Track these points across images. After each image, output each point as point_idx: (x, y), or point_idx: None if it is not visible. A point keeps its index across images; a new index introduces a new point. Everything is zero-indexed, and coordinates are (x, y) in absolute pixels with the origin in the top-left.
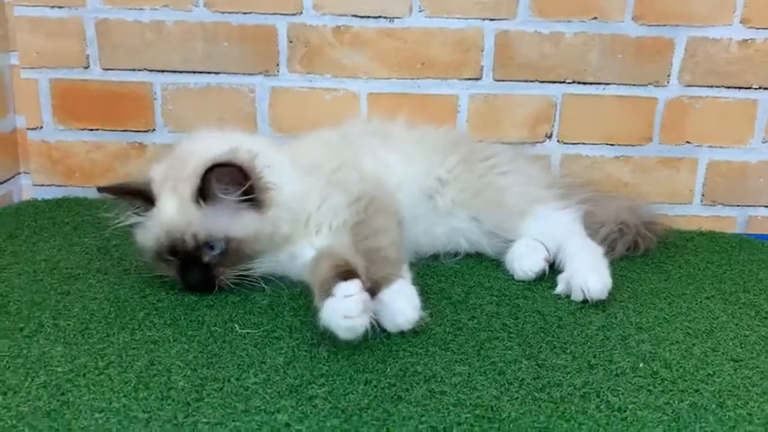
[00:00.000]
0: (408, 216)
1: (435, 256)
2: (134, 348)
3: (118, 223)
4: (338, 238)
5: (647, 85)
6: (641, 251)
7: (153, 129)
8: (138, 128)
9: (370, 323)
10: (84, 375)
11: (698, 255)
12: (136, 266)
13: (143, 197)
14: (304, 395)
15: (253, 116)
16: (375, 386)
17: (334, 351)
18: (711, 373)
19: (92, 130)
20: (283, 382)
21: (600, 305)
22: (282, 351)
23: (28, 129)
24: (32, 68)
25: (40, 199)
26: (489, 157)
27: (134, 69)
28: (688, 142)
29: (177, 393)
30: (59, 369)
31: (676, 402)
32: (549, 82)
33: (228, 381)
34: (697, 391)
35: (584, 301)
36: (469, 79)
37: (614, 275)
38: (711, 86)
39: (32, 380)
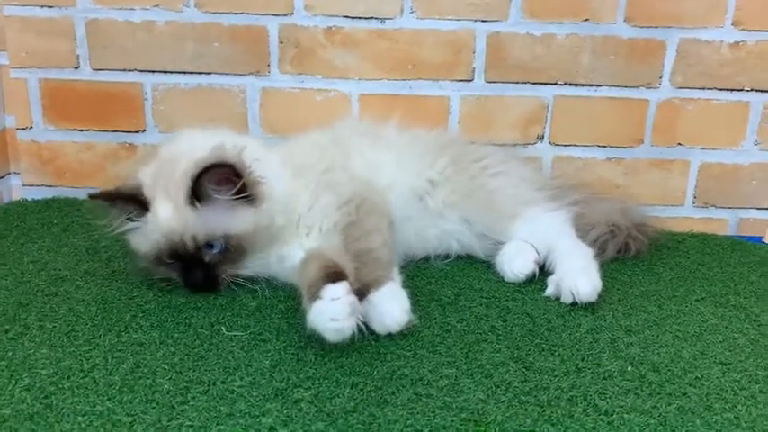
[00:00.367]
0: (399, 217)
1: (426, 258)
2: (120, 351)
3: (111, 230)
4: (328, 239)
5: (638, 87)
6: (632, 253)
7: (143, 129)
8: (128, 128)
9: (359, 325)
10: (68, 378)
11: (689, 257)
12: (125, 268)
13: (135, 202)
14: (290, 398)
15: (243, 117)
16: (361, 389)
17: (321, 354)
18: (699, 376)
19: (82, 130)
20: (269, 385)
21: (589, 307)
22: (269, 354)
23: (18, 129)
24: (22, 68)
25: (29, 199)
26: (481, 158)
27: (124, 69)
28: (680, 144)
29: (162, 396)
30: (44, 371)
31: (663, 406)
32: (541, 83)
33: (214, 384)
34: (685, 394)
35: (574, 304)
36: (461, 81)
37: (604, 278)
38: (703, 88)
39: (16, 382)
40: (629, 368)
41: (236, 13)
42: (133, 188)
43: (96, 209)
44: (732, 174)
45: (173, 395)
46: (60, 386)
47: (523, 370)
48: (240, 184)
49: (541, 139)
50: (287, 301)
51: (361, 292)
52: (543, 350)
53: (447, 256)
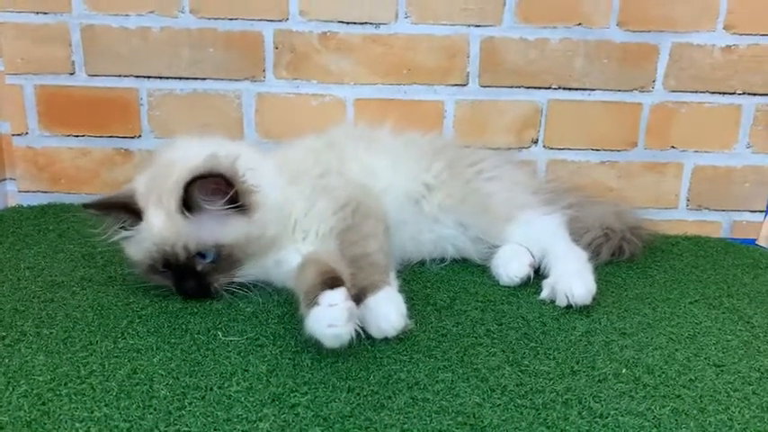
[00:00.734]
0: (395, 222)
1: (421, 262)
2: (116, 357)
3: (105, 238)
4: (324, 244)
5: (632, 91)
6: (626, 256)
7: (139, 135)
8: (124, 134)
9: (355, 330)
10: (65, 384)
11: (683, 259)
12: (121, 274)
13: (128, 211)
14: (286, 403)
15: (239, 122)
16: (358, 394)
17: (318, 359)
18: (693, 378)
19: (77, 136)
20: (266, 390)
21: (584, 310)
22: (266, 359)
23: (13, 135)
24: (18, 74)
25: (25, 205)
26: (476, 162)
27: (120, 75)
28: (673, 147)
29: (159, 402)
30: (41, 378)
31: (658, 408)
32: (535, 88)
33: (211, 389)
34: (679, 396)
35: (569, 307)
36: (456, 85)
37: (599, 280)
38: (696, 92)
39: (13, 389)
40: (623, 371)
41: (231, 19)
42: (126, 197)
43: (91, 217)
44: (725, 176)
45: (170, 401)
46: (58, 393)
47: (519, 373)
48: (232, 193)
49: (536, 142)
50: (283, 306)
51: (358, 297)
52: (538, 353)
53: (442, 260)
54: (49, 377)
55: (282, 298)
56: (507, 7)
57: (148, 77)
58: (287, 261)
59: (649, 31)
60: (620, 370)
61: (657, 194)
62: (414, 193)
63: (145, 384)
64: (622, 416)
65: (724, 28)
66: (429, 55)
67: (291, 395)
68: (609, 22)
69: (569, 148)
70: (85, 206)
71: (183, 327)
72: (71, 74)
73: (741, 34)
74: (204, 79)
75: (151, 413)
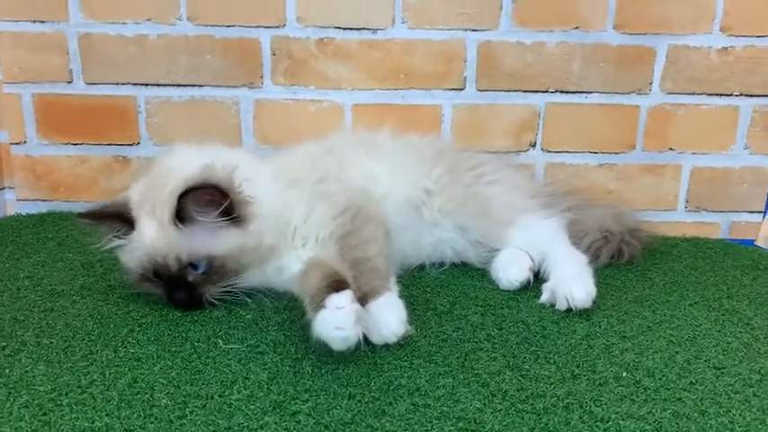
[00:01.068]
0: (395, 226)
1: (421, 267)
2: (117, 366)
3: (100, 247)
4: (324, 249)
5: (629, 93)
6: (626, 259)
7: (137, 142)
8: (122, 141)
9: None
10: (66, 394)
11: (682, 261)
12: (120, 283)
13: (122, 220)
14: (287, 411)
15: (237, 128)
16: (359, 401)
17: (318, 366)
18: (694, 381)
19: (76, 144)
20: (267, 398)
21: (584, 314)
22: (266, 367)
23: (11, 144)
24: (15, 83)
25: (24, 214)
26: (475, 166)
27: (118, 83)
28: (671, 149)
29: (160, 411)
30: (41, 388)
31: (659, 411)
32: (532, 91)
33: (212, 397)
34: (679, 399)
35: (569, 310)
36: (453, 89)
37: (598, 283)
38: (693, 94)
39: (14, 400)
40: (624, 374)
41: (228, 26)
42: (120, 206)
43: (86, 227)
44: (723, 178)
45: (171, 410)
46: (59, 403)
47: (519, 378)
48: (227, 204)
49: (534, 146)
50: (282, 313)
51: (360, 302)
52: (539, 358)
53: (441, 264)
54: (49, 387)
55: (282, 305)
56: (504, 11)
57: (146, 85)
58: (287, 267)
59: (646, 34)
60: (620, 373)
61: (656, 196)
62: (414, 199)
63: (146, 393)
64: (623, 420)
65: (720, 30)
66: (426, 60)
67: (292, 402)
68: (605, 26)
69: (567, 151)
70: (80, 216)
71: (184, 335)
72: (69, 82)
73: (737, 36)
74: (202, 86)
75: (152, 422)
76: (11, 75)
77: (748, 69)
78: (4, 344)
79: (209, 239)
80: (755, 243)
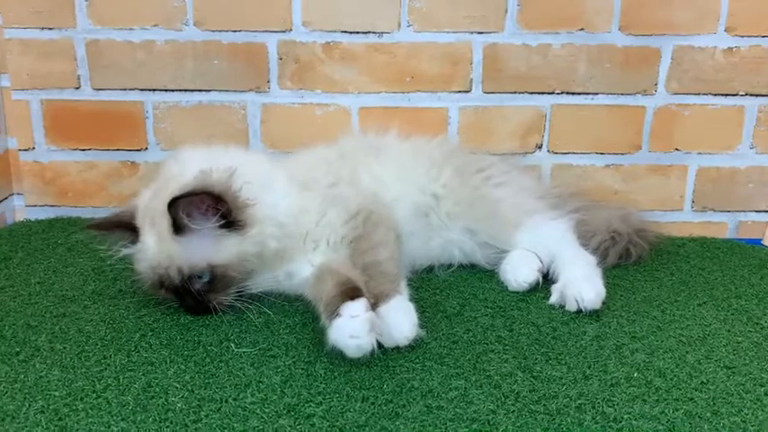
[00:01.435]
0: (404, 232)
1: (429, 269)
2: (131, 370)
3: (112, 255)
4: (336, 253)
5: (635, 94)
6: (633, 259)
7: (145, 147)
8: (130, 147)
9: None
10: (81, 399)
11: (690, 261)
12: (131, 287)
13: (129, 228)
14: (302, 414)
15: (245, 133)
16: (372, 403)
17: (331, 369)
18: (705, 380)
19: (84, 149)
20: (281, 401)
21: (594, 315)
22: (279, 370)
23: (20, 150)
24: (24, 90)
25: (33, 219)
26: (483, 168)
27: (125, 89)
28: (677, 149)
29: (175, 415)
30: (57, 393)
31: (671, 411)
32: (538, 93)
33: (226, 401)
34: (691, 399)
35: (579, 311)
36: (459, 92)
37: (607, 284)
38: (699, 94)
39: (30, 405)
40: (635, 374)
41: (234, 31)
42: (127, 216)
43: (95, 236)
44: (729, 177)
45: (186, 413)
46: (74, 408)
47: (531, 379)
48: (224, 210)
49: (540, 147)
50: (293, 316)
51: (371, 305)
52: (550, 359)
53: (450, 266)
54: (64, 392)
55: (293, 308)
56: (509, 14)
57: (153, 90)
58: (298, 272)
59: (651, 35)
60: (631, 374)
61: (662, 197)
62: (422, 206)
63: (160, 397)
64: (636, 420)
65: (725, 30)
66: (432, 62)
67: (306, 405)
68: (611, 27)
69: (574, 153)
70: (89, 226)
71: (196, 339)
72: (77, 88)
73: (742, 36)
74: (209, 91)
75: (168, 426)
76: (19, 81)
77: (753, 69)
78: (18, 349)
79: (209, 248)
80: (763, 242)
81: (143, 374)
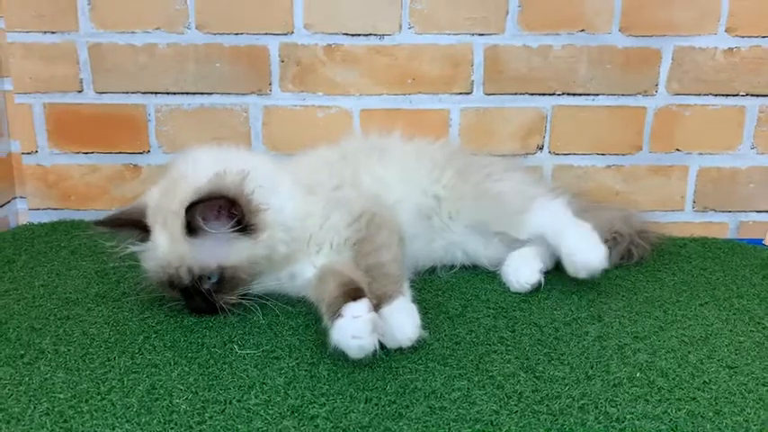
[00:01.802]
0: (407, 235)
1: (432, 270)
2: (135, 372)
3: (120, 252)
4: (339, 255)
5: (635, 95)
6: (635, 260)
7: (148, 150)
8: (132, 150)
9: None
10: (86, 401)
11: (691, 261)
12: (135, 289)
13: (139, 227)
14: (306, 415)
15: (247, 135)
16: (376, 404)
17: (335, 370)
18: (707, 380)
19: (86, 153)
20: (284, 402)
21: (596, 315)
22: (283, 371)
23: (23, 153)
24: (26, 93)
25: (36, 223)
26: (484, 166)
27: (127, 92)
28: (678, 150)
29: (179, 417)
30: (61, 395)
31: (674, 411)
32: (539, 94)
33: (230, 402)
34: (694, 399)
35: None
36: (460, 93)
37: (609, 285)
38: (699, 94)
39: (35, 407)
40: (637, 374)
41: (236, 34)
42: (137, 213)
43: (103, 234)
44: (730, 178)
45: (190, 415)
46: (79, 410)
47: (534, 380)
48: (238, 214)
49: (541, 148)
50: (296, 317)
51: (374, 306)
52: (552, 359)
53: (452, 267)
54: (69, 394)
55: (296, 309)
56: (510, 15)
57: (156, 93)
58: (301, 273)
59: (651, 36)
60: (634, 374)
61: (663, 197)
62: (425, 209)
63: (165, 399)
64: (639, 420)
65: (726, 31)
66: (433, 64)
67: (310, 407)
68: (611, 28)
69: (575, 153)
70: (96, 224)
71: (199, 341)
72: (79, 92)
73: (743, 36)
74: (211, 94)
75: (172, 428)
76: (22, 85)
77: (754, 69)
78: (23, 352)
79: (221, 250)
80: (764, 242)
81: (147, 376)
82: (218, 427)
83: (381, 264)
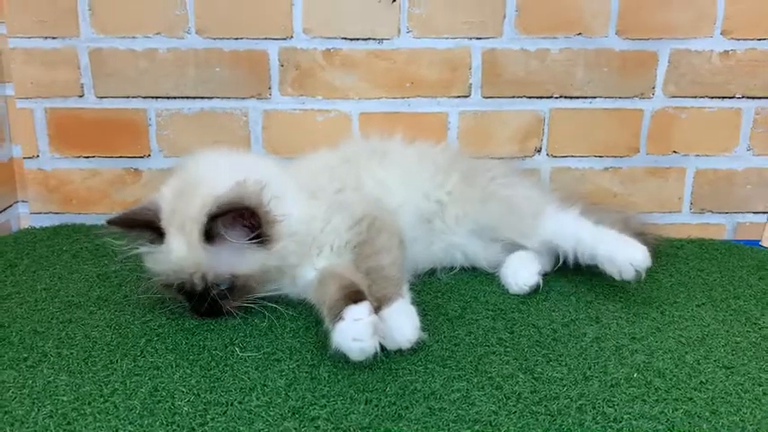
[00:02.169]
0: (408, 238)
1: (431, 272)
2: (137, 375)
3: (128, 251)
4: (340, 258)
5: (632, 98)
6: None
7: (148, 154)
8: (133, 154)
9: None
10: (89, 404)
11: (688, 263)
12: (137, 291)
13: (152, 229)
14: (306, 416)
15: (247, 139)
16: (376, 405)
17: (335, 371)
18: (704, 380)
19: (87, 157)
20: (285, 404)
21: (593, 316)
22: (283, 373)
23: (24, 158)
24: (28, 98)
25: (37, 227)
26: (488, 170)
27: (128, 96)
28: (675, 152)
29: (182, 419)
30: (65, 398)
31: (670, 411)
32: (537, 97)
33: (232, 404)
34: (690, 399)
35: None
36: (459, 97)
37: (606, 286)
38: (695, 97)
39: (38, 410)
40: (635, 375)
41: (236, 39)
42: (151, 214)
43: (113, 232)
44: (727, 179)
45: (192, 417)
46: (82, 412)
47: (532, 380)
48: (255, 224)
49: (539, 151)
50: (297, 320)
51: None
52: (551, 360)
53: (452, 269)
54: (72, 397)
55: (296, 312)
56: (507, 19)
57: (156, 98)
58: (302, 276)
59: (648, 39)
60: (631, 374)
61: (661, 199)
62: (426, 212)
63: (167, 401)
64: (636, 420)
65: (721, 34)
66: (431, 68)
67: (311, 408)
68: (608, 31)
69: (572, 156)
70: (110, 222)
71: (201, 343)
72: (80, 96)
73: (738, 39)
74: (211, 98)
75: (174, 430)
76: (23, 90)
77: (750, 72)
78: (26, 355)
79: (235, 259)
80: (761, 243)
81: (149, 379)
82: (220, 429)
83: (381, 266)
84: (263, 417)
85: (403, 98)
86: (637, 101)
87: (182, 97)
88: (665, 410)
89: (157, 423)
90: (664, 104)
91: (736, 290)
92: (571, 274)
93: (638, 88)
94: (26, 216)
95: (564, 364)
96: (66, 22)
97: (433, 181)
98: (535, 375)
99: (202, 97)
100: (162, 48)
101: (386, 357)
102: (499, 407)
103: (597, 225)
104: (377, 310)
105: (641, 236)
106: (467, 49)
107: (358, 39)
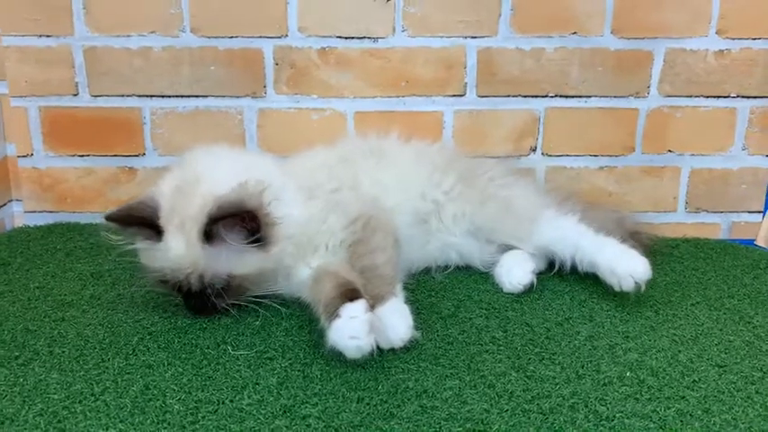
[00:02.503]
0: (403, 237)
1: (426, 270)
2: (129, 373)
3: (125, 245)
4: (335, 256)
5: (627, 97)
6: None
7: (143, 153)
8: (128, 152)
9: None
10: (80, 402)
11: (683, 262)
12: (130, 288)
13: (150, 226)
14: (298, 415)
15: (242, 138)
16: (367, 404)
17: (327, 370)
18: (697, 379)
19: (82, 156)
20: (277, 402)
21: (587, 315)
22: (275, 371)
23: (19, 156)
24: (22, 97)
25: (31, 225)
26: (485, 171)
27: (123, 95)
28: (670, 151)
29: (173, 417)
30: (55, 396)
31: (663, 410)
32: (532, 96)
33: (223, 402)
34: (683, 397)
35: (637, 288)
36: (454, 96)
37: (600, 285)
38: (691, 96)
39: (29, 408)
40: (627, 374)
41: (231, 37)
42: (149, 211)
43: (110, 228)
44: (722, 179)
45: (183, 415)
46: (73, 410)
47: (525, 379)
48: (255, 227)
49: (534, 150)
50: (290, 319)
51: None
52: (543, 359)
53: (446, 268)
54: (63, 395)
55: (289, 310)
56: (503, 18)
57: (151, 96)
58: (296, 275)
59: (643, 38)
60: (624, 373)
61: (656, 198)
62: (422, 212)
63: (158, 400)
64: (628, 418)
65: (716, 33)
66: (427, 67)
67: (302, 406)
68: (603, 30)
69: (568, 155)
70: (108, 218)
71: (193, 342)
72: (75, 95)
73: (733, 38)
74: (206, 97)
75: (165, 428)
76: (17, 88)
77: (745, 71)
78: (18, 353)
79: (233, 260)
80: (755, 243)
81: (141, 377)
82: (211, 427)
83: (375, 266)
84: (254, 415)
85: (398, 97)
86: (632, 100)
87: (176, 96)
88: (658, 409)
89: (148, 421)
90: (659, 104)
91: (731, 289)
92: (565, 273)
93: (633, 87)
94: (20, 215)
95: (557, 362)
96: (60, 21)
97: (430, 180)
98: (528, 374)
99: (197, 96)
100: (156, 46)
101: (378, 356)
102: (491, 405)
103: (597, 233)
104: (371, 308)
105: (636, 235)
106: (462, 48)
107: (353, 37)
